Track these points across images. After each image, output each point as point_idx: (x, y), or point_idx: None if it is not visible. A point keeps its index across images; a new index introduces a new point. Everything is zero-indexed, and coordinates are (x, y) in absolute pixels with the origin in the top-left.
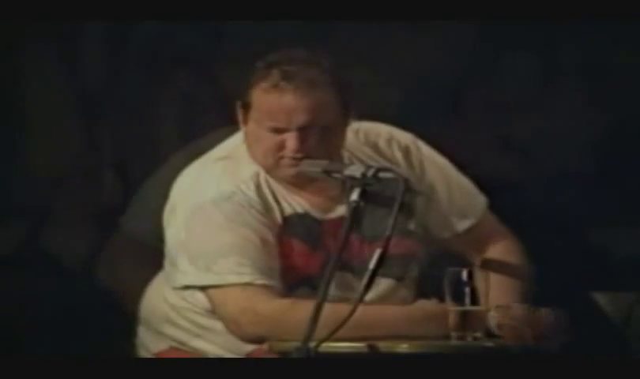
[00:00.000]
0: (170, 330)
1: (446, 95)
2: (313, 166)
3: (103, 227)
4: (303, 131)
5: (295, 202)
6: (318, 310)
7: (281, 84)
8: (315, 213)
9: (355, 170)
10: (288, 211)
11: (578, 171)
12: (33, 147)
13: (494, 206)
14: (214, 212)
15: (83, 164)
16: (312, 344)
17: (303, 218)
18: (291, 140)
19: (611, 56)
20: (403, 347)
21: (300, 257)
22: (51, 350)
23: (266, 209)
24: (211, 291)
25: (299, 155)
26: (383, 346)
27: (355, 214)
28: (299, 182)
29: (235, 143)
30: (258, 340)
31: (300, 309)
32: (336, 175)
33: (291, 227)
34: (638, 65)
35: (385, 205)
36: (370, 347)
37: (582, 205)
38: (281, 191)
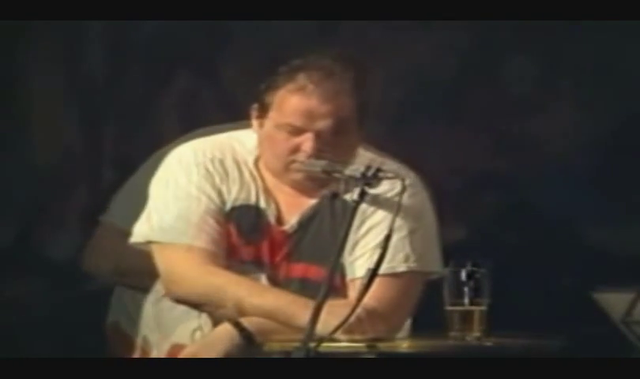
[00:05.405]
0: None
1: (446, 95)
2: (313, 166)
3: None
4: (321, 135)
5: (268, 198)
6: (317, 310)
7: (309, 87)
8: (272, 217)
9: (355, 170)
10: (251, 200)
11: (578, 171)
12: (33, 146)
13: (494, 205)
14: (178, 170)
15: (83, 164)
16: (312, 344)
17: (255, 212)
18: (308, 142)
19: (612, 56)
20: (403, 347)
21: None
22: (43, 351)
23: (228, 187)
24: (153, 247)
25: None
26: (383, 346)
27: (355, 214)
28: (305, 189)
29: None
30: (189, 303)
31: (219, 276)
32: (337, 175)
33: (235, 216)
34: (638, 65)
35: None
36: (370, 347)
37: (582, 205)
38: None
